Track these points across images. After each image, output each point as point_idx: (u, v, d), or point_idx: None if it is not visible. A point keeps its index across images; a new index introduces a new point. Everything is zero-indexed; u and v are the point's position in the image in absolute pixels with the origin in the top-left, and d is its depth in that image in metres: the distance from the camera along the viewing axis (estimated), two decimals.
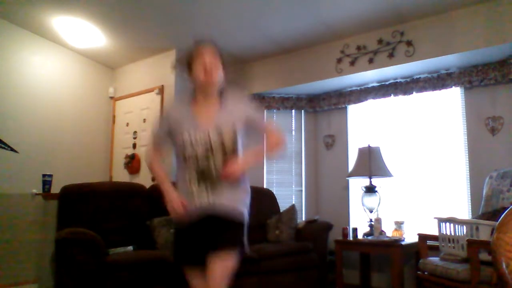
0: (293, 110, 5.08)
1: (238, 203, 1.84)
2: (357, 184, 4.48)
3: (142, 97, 4.96)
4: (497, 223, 1.24)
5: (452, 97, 4.08)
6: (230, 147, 1.82)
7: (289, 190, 5.02)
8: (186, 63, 1.88)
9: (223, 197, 1.80)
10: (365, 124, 4.69)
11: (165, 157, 1.99)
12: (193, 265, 1.80)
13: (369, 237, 3.92)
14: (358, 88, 4.64)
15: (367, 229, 4.06)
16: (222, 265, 1.72)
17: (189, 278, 1.83)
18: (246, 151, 1.90)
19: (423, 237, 3.37)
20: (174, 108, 1.98)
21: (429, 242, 3.35)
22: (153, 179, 4.41)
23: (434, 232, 3.25)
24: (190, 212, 1.80)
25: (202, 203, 1.80)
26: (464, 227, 2.90)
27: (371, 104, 4.62)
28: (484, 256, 2.63)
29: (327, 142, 4.97)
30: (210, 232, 1.77)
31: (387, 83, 4.40)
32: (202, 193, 1.80)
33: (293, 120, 5.10)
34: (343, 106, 4.79)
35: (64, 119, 4.89)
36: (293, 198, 4.99)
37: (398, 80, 4.33)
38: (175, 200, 1.79)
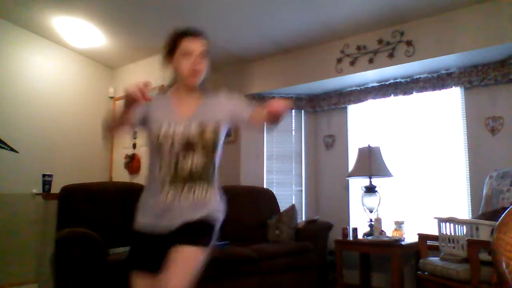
0: (293, 110, 5.08)
1: (214, 211, 1.68)
2: (357, 184, 4.48)
3: None
4: (497, 223, 1.24)
5: (452, 97, 4.08)
6: (211, 145, 1.66)
7: (289, 190, 5.02)
8: (169, 49, 1.71)
9: (199, 206, 1.63)
10: (365, 124, 4.69)
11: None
12: (147, 271, 1.63)
13: (369, 237, 3.92)
14: (358, 88, 4.64)
15: (367, 229, 4.06)
16: (186, 258, 1.53)
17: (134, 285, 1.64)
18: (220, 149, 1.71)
19: (423, 237, 3.37)
20: (156, 97, 1.77)
21: (429, 242, 3.35)
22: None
23: (434, 232, 3.25)
24: (155, 220, 1.63)
25: (176, 216, 1.61)
26: (464, 227, 2.90)
27: (371, 104, 4.61)
28: (484, 256, 2.63)
29: (327, 142, 4.96)
30: (176, 237, 1.60)
31: (387, 83, 4.40)
32: (176, 201, 1.62)
33: (293, 120, 5.09)
34: (343, 106, 4.78)
35: (64, 119, 4.89)
36: (293, 198, 4.99)
37: (398, 80, 4.33)
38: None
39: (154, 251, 1.63)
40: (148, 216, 1.66)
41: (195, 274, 1.54)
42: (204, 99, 1.75)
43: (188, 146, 1.64)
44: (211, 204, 1.68)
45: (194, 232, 1.61)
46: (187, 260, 1.54)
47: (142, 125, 1.69)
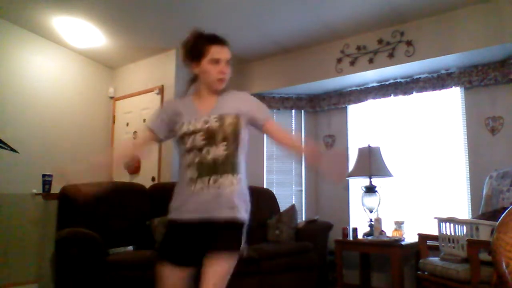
0: (293, 110, 5.08)
1: (239, 204, 1.74)
2: (357, 184, 4.48)
3: (142, 97, 4.95)
4: (497, 223, 1.24)
5: (452, 97, 4.08)
6: (231, 136, 1.73)
7: (289, 190, 5.02)
8: (196, 54, 1.78)
9: (224, 197, 1.70)
10: (365, 124, 4.69)
11: (141, 155, 1.96)
12: (177, 264, 1.72)
13: (369, 237, 3.92)
14: (358, 88, 4.64)
15: (367, 229, 4.06)
16: (218, 269, 1.66)
17: (162, 276, 1.72)
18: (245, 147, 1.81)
19: (423, 237, 3.37)
20: (174, 100, 1.92)
21: (429, 242, 3.35)
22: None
23: (434, 232, 3.25)
24: (186, 213, 1.74)
25: (202, 206, 1.71)
26: (464, 227, 2.91)
27: (371, 104, 4.62)
28: (484, 256, 2.63)
29: (327, 142, 4.96)
30: (207, 234, 1.69)
31: (387, 83, 4.40)
32: (202, 192, 1.71)
33: (293, 120, 5.09)
34: (343, 106, 4.79)
35: (64, 119, 4.89)
36: (293, 198, 4.99)
37: (398, 80, 4.33)
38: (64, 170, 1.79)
39: (183, 241, 1.74)
40: (179, 209, 1.76)
41: (227, 279, 1.68)
42: (223, 95, 1.84)
43: (209, 138, 1.72)
44: (237, 201, 1.73)
45: (224, 239, 1.69)
46: (219, 273, 1.66)
47: (168, 128, 1.84)
